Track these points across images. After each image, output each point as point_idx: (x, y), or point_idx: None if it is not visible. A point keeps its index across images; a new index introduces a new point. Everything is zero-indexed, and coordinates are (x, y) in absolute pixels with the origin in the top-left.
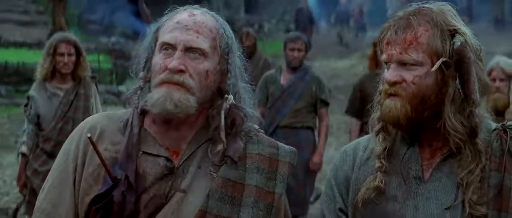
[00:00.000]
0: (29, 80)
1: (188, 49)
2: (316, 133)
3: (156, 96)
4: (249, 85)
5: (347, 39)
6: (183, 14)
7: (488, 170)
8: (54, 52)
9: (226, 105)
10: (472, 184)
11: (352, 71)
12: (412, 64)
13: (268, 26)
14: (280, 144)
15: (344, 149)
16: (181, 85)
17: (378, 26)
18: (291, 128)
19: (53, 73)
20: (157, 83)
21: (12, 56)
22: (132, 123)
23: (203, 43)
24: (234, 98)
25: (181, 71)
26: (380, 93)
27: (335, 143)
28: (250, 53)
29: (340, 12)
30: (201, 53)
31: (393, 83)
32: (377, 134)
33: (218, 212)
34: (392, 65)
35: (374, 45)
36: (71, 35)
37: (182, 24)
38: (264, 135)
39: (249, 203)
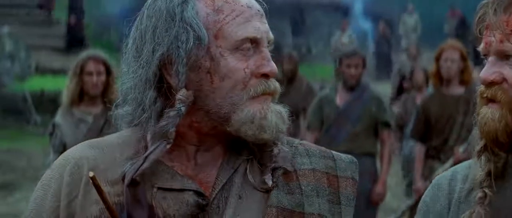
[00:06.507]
0: None
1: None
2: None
3: (269, 117)
4: None
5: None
6: None
7: None
8: (81, 72)
9: None
10: None
11: None
12: None
13: (316, 50)
14: (334, 152)
15: (437, 181)
16: (274, 95)
17: (433, 48)
18: (350, 155)
19: (81, 96)
20: (251, 96)
21: (49, 84)
22: (148, 156)
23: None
24: None
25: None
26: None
27: None
28: (290, 77)
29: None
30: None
31: (489, 84)
32: (479, 155)
33: None
34: (490, 59)
35: (436, 59)
36: (100, 52)
37: (255, 8)
38: (309, 142)
39: None
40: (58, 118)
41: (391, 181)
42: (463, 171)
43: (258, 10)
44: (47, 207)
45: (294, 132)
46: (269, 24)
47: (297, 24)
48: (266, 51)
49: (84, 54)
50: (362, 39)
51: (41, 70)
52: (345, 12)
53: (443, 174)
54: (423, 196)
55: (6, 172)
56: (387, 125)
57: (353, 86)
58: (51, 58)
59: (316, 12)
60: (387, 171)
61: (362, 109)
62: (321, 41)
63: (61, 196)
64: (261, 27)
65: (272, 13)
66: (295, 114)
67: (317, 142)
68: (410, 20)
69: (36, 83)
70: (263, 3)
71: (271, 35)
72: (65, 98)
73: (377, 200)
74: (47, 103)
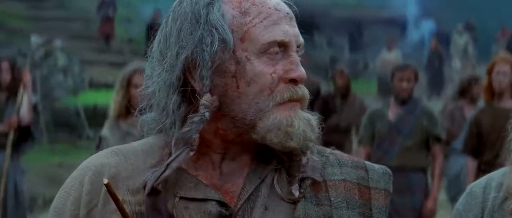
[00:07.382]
0: None
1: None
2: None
3: (297, 124)
4: None
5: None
6: None
7: None
8: (128, 85)
9: None
10: None
11: None
12: None
13: (373, 65)
14: (367, 163)
15: (470, 188)
16: (302, 102)
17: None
18: (401, 170)
19: (128, 109)
20: (278, 102)
21: (103, 99)
22: (169, 163)
23: None
24: None
25: None
26: None
27: None
28: (343, 94)
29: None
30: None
31: None
32: None
33: None
34: None
35: (488, 72)
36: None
37: (284, 11)
38: (341, 152)
39: None
40: (105, 131)
41: (443, 196)
42: (498, 178)
43: (287, 13)
44: (67, 216)
45: (348, 148)
46: (326, 40)
47: (354, 40)
48: (295, 56)
49: (130, 66)
50: (417, 54)
51: (96, 85)
52: (403, 27)
53: (478, 181)
54: (456, 204)
55: (58, 186)
56: (438, 139)
57: (405, 100)
58: (107, 72)
59: (373, 27)
60: (439, 187)
61: (414, 123)
62: (377, 57)
63: (80, 205)
64: (289, 31)
65: (330, 28)
66: (348, 130)
67: (369, 156)
68: (460, 40)
69: (90, 97)
70: (293, 6)
71: (301, 39)
72: (111, 111)
73: (428, 216)
74: (100, 118)
